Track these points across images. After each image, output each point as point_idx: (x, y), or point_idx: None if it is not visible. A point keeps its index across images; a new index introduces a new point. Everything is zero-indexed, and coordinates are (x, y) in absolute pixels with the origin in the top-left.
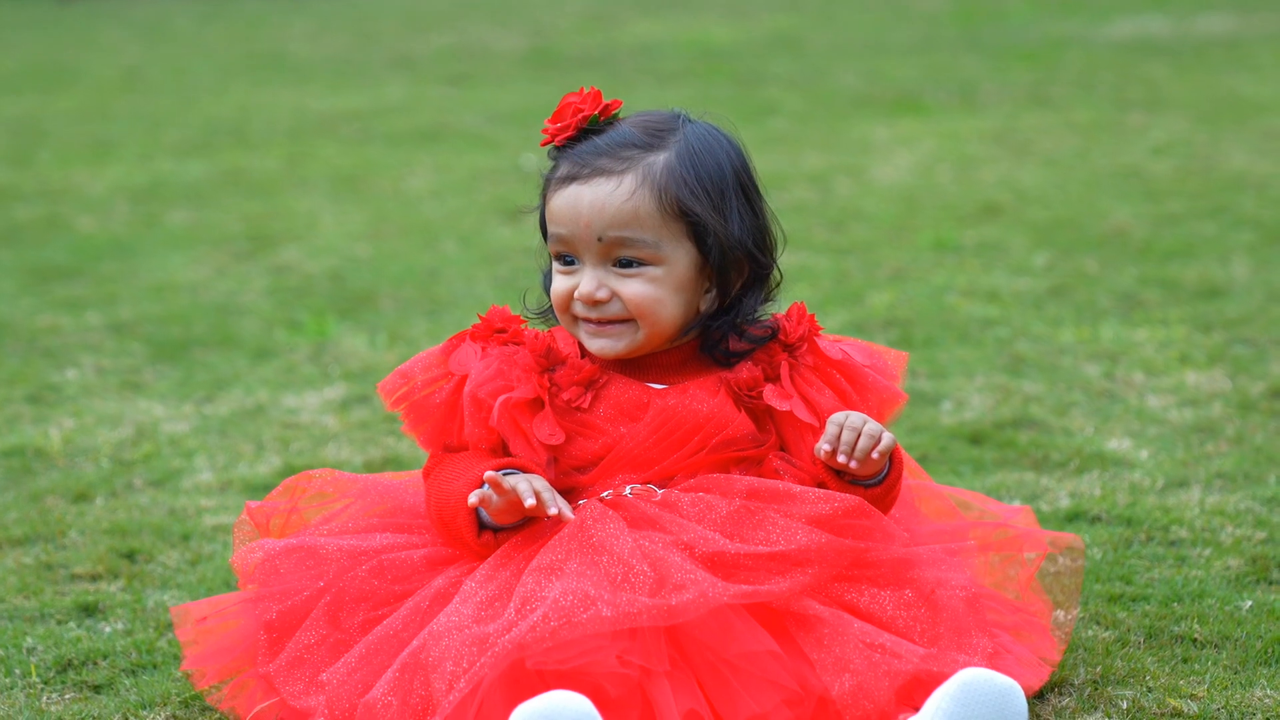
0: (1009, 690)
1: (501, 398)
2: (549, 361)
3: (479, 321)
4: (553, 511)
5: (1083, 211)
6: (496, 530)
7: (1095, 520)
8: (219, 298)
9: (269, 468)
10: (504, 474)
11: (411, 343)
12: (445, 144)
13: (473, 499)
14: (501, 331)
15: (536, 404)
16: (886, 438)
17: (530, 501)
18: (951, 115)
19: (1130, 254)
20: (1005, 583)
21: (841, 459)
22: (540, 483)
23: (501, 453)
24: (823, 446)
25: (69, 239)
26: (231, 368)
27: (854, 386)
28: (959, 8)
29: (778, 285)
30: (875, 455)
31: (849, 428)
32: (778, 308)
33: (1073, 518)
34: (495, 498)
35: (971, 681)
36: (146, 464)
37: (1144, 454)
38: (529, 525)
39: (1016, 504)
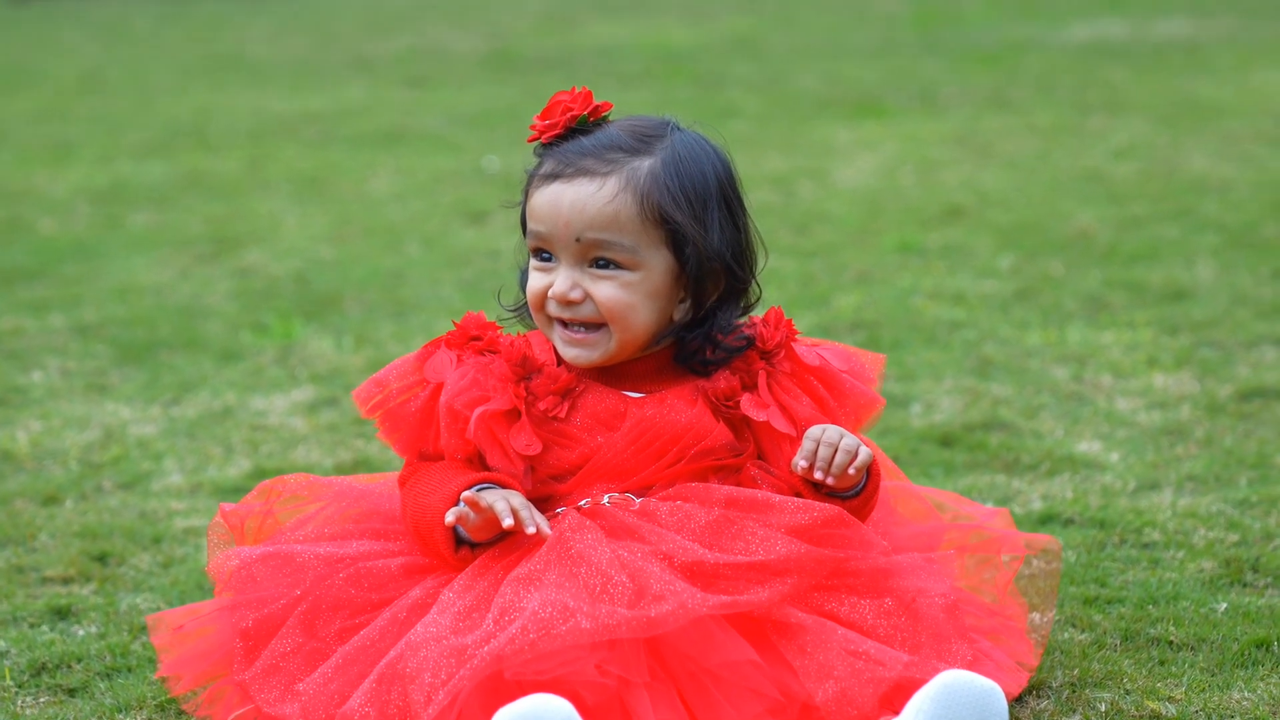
0: (989, 692)
1: (478, 410)
2: (525, 370)
3: (454, 328)
4: (531, 530)
5: (1046, 214)
6: (474, 546)
7: (1068, 523)
8: (183, 300)
9: (239, 470)
10: (480, 489)
11: (378, 345)
12: (407, 146)
13: (449, 518)
14: (477, 339)
15: (513, 414)
16: (863, 453)
17: (508, 521)
18: (913, 118)
19: (1095, 257)
20: (982, 586)
21: (818, 475)
22: (518, 499)
23: (478, 462)
24: (799, 463)
25: (30, 241)
26: (198, 370)
27: (831, 393)
28: (917, 11)
29: (756, 300)
30: (851, 471)
31: (825, 443)
32: (754, 311)
33: (1045, 520)
34: (472, 515)
35: (952, 683)
36: (115, 466)
37: (1114, 456)
38: (507, 537)
39: (991, 506)
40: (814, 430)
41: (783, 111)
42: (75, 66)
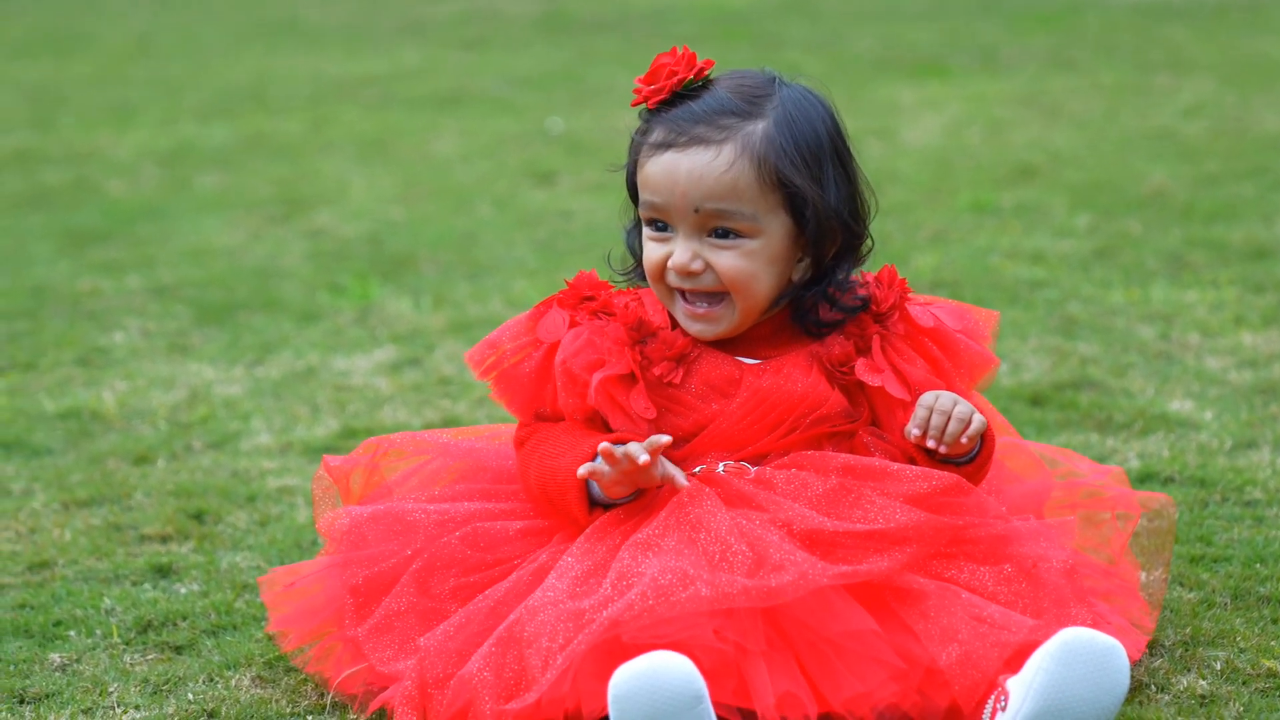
0: (1111, 649)
1: (597, 375)
2: (640, 334)
3: (565, 287)
4: (677, 480)
5: (1119, 173)
6: (606, 506)
7: (1167, 481)
8: (258, 261)
9: (326, 430)
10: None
11: (457, 305)
12: (467, 108)
13: (582, 470)
14: (590, 299)
15: (629, 378)
16: (977, 420)
17: (644, 458)
18: (976, 78)
19: (1173, 215)
20: (1097, 546)
21: (931, 443)
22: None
23: (599, 422)
24: (912, 431)
25: (100, 202)
26: (278, 330)
27: (946, 354)
28: None
29: (869, 252)
30: (964, 440)
31: (938, 411)
32: (868, 265)
33: (1144, 479)
34: (607, 469)
35: (1073, 641)
36: (204, 426)
37: (1208, 415)
38: (640, 495)
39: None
40: (927, 397)
41: (843, 72)
42: (127, 30)
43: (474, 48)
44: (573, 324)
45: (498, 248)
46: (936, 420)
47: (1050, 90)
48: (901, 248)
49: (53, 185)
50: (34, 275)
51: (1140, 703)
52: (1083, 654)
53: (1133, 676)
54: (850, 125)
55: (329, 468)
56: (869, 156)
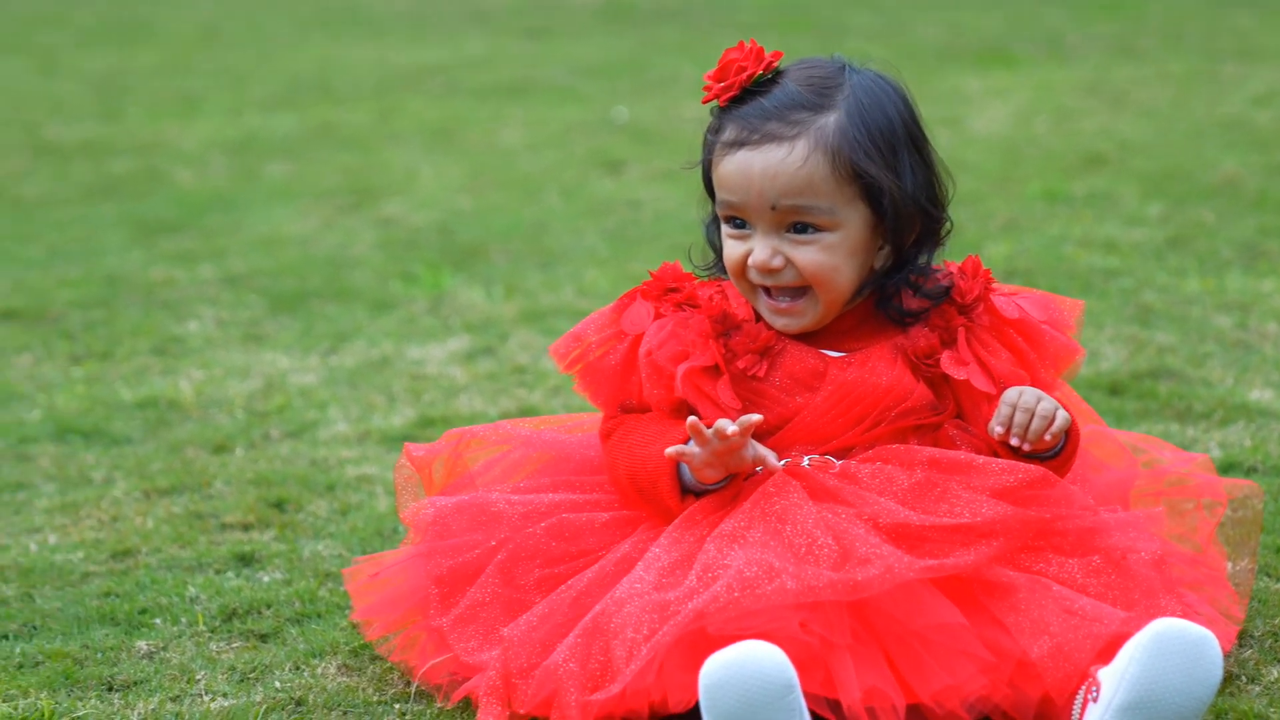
0: (1203, 639)
1: (683, 366)
2: (724, 326)
3: (649, 279)
4: (769, 460)
5: (1190, 162)
6: (698, 494)
7: (1250, 471)
8: (329, 250)
9: (403, 419)
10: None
11: (529, 294)
12: (532, 98)
13: (671, 450)
14: (674, 290)
15: (713, 370)
16: (1060, 418)
17: (733, 429)
18: (1042, 67)
19: (1246, 204)
20: (1186, 534)
21: (1014, 441)
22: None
23: (685, 415)
24: (995, 428)
25: (170, 192)
26: (351, 319)
27: (1031, 345)
28: None
29: (948, 234)
30: (1048, 436)
31: (1022, 408)
32: (947, 249)
33: (1226, 469)
34: (697, 450)
35: (1165, 631)
36: (281, 415)
37: None
38: (727, 486)
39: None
40: (1010, 394)
41: (908, 61)
42: (192, 20)
43: (537, 37)
44: (657, 316)
45: (567, 237)
46: (1020, 417)
47: (1117, 79)
48: (974, 237)
49: (122, 175)
50: (107, 265)
51: (1231, 694)
52: (1175, 644)
53: (1223, 667)
54: None
55: (411, 457)
56: (937, 145)
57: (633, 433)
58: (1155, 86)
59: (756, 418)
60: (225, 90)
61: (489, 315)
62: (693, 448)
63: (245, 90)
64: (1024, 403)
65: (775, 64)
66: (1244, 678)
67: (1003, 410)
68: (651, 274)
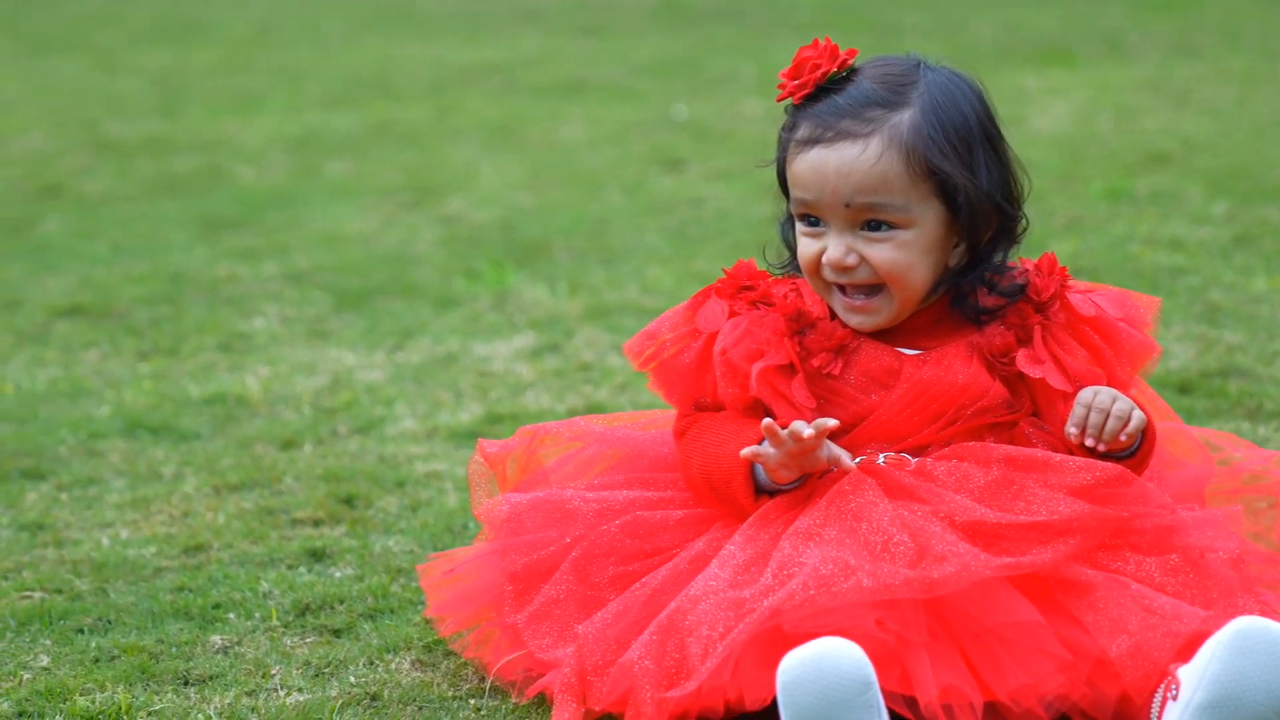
0: None
1: (757, 365)
2: (799, 324)
3: (723, 276)
4: (844, 461)
5: (1254, 160)
6: (772, 493)
7: None
8: (392, 247)
9: (471, 415)
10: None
11: (593, 291)
12: (590, 96)
13: (746, 451)
14: (749, 288)
15: (788, 369)
16: (1136, 418)
17: (809, 432)
18: (1101, 65)
19: None
20: (1263, 532)
21: (1089, 442)
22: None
23: (760, 414)
24: (1070, 430)
25: (232, 190)
26: (416, 316)
27: (1108, 343)
28: None
29: (1024, 232)
30: (1123, 438)
31: (1096, 409)
32: (1022, 246)
33: None
34: (772, 451)
35: (1246, 629)
36: (348, 411)
37: None
38: (808, 480)
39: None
40: (1085, 395)
41: (964, 60)
42: (249, 18)
43: (592, 35)
44: (732, 314)
45: (629, 234)
46: (1095, 418)
47: (1177, 77)
48: (1038, 235)
49: (184, 172)
50: (172, 262)
51: None
52: (1257, 642)
53: None
54: None
55: (485, 453)
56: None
57: (707, 431)
58: (1216, 85)
59: (833, 423)
60: (283, 88)
61: (554, 312)
62: (767, 449)
63: (303, 88)
64: (1099, 403)
65: (850, 62)
66: None
67: (1077, 411)
68: (726, 271)
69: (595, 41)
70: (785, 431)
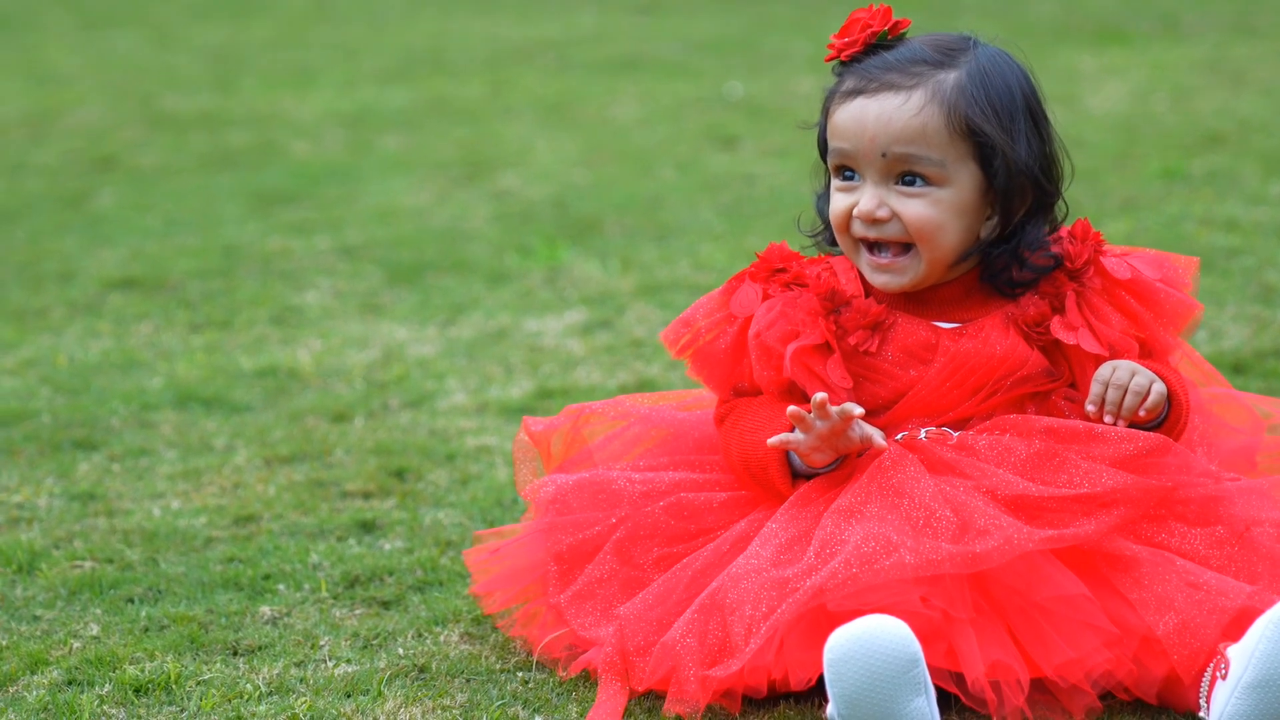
0: None
1: (791, 346)
2: (834, 303)
3: (757, 260)
4: (876, 440)
5: None
6: (809, 476)
7: None
8: (445, 222)
9: (521, 390)
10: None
11: (644, 268)
12: (645, 73)
13: (774, 440)
14: (782, 270)
15: (824, 349)
16: (1155, 392)
17: (823, 396)
18: (1158, 45)
19: None
20: None
21: (1108, 419)
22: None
23: (797, 396)
24: (1088, 407)
25: (286, 164)
26: (468, 291)
27: (1145, 305)
28: None
29: (1063, 218)
30: (1142, 413)
31: (1114, 385)
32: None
33: None
34: (801, 436)
35: None
36: (399, 385)
37: None
38: (843, 462)
39: None
40: (1103, 371)
41: (1022, 38)
42: None
43: (648, 12)
44: (765, 297)
45: (682, 211)
46: (1113, 394)
47: (1234, 57)
48: (1093, 214)
49: (238, 146)
50: (225, 235)
51: None
52: None
53: None
54: None
55: (530, 431)
56: (1054, 123)
57: (744, 417)
58: (1274, 65)
59: (859, 410)
60: (338, 63)
61: (605, 288)
62: (797, 435)
63: (358, 63)
64: (1117, 379)
65: (902, 29)
66: None
67: (1095, 388)
68: (759, 255)
69: (651, 18)
70: (812, 406)
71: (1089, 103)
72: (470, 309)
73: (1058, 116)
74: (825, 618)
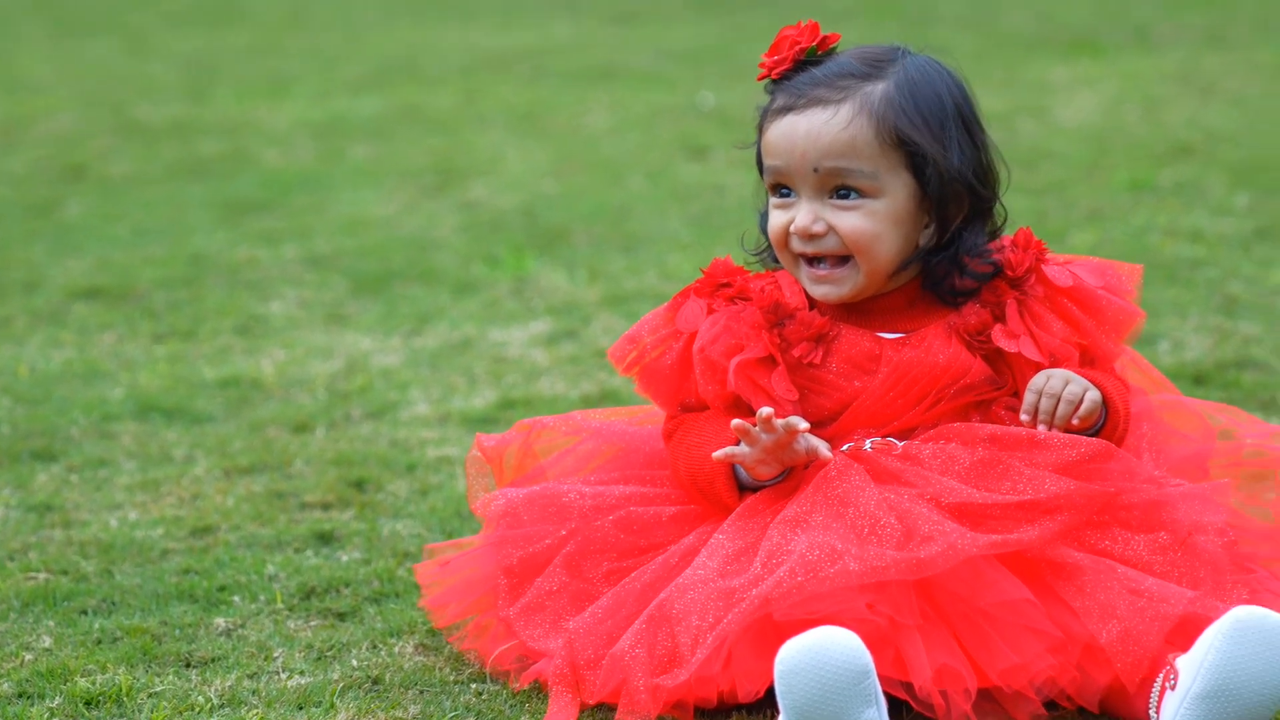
0: None
1: (735, 359)
2: (777, 316)
3: (701, 276)
4: (821, 451)
5: (1279, 153)
6: (756, 489)
7: None
8: (413, 232)
9: (484, 401)
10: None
11: (611, 279)
12: (619, 82)
13: (719, 454)
14: (726, 285)
15: (769, 362)
16: (1088, 400)
17: (767, 411)
18: (1130, 56)
19: None
20: (1264, 507)
21: (1042, 428)
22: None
23: (742, 410)
24: (1022, 416)
25: (257, 173)
26: (434, 301)
27: (1087, 312)
28: None
29: (1002, 223)
30: (1075, 421)
31: (1047, 394)
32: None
33: None
34: (746, 450)
35: (1245, 618)
36: (362, 396)
37: None
38: (789, 474)
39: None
40: (1037, 380)
41: (996, 50)
42: (282, 3)
43: (625, 22)
44: (710, 311)
45: (651, 221)
46: (1045, 404)
47: (1205, 68)
48: (1059, 225)
49: (209, 155)
50: (192, 244)
51: None
52: (1255, 632)
53: None
54: (1003, 103)
55: (482, 447)
56: (1023, 134)
57: (691, 432)
58: (1245, 76)
59: (803, 424)
60: (314, 72)
61: (571, 298)
62: (742, 449)
63: (334, 72)
64: (1050, 388)
65: (833, 44)
66: None
67: (1028, 398)
68: (703, 271)
69: (626, 28)
70: (757, 420)
71: (1060, 114)
72: (436, 319)
73: (1028, 128)
74: (773, 628)
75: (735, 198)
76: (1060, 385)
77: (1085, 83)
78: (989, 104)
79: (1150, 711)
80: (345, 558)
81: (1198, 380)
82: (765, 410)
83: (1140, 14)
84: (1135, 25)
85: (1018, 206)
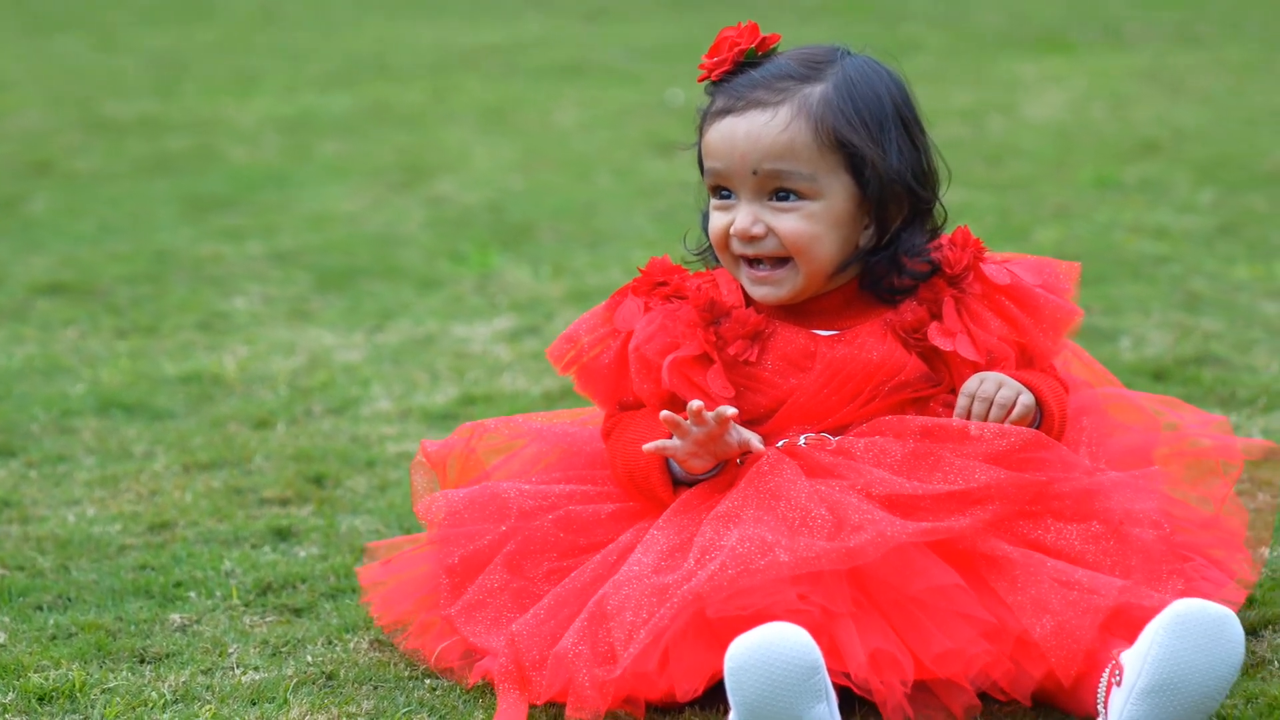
0: (1223, 618)
1: (669, 357)
2: (713, 314)
3: (639, 275)
4: (753, 444)
5: (1244, 150)
6: (691, 484)
7: None
8: (378, 228)
9: (446, 397)
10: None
11: (576, 275)
12: (588, 79)
13: (649, 446)
14: (663, 284)
15: (704, 359)
16: (1021, 404)
17: (697, 404)
18: (1099, 53)
19: None
20: (1202, 495)
21: (974, 432)
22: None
23: (680, 408)
24: (954, 420)
25: (223, 169)
26: (398, 297)
27: (1025, 310)
28: None
29: (942, 223)
30: (1007, 424)
31: (980, 399)
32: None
33: (1271, 454)
34: (678, 442)
35: (1185, 612)
36: (324, 392)
37: None
38: (724, 468)
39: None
40: (970, 384)
41: (966, 46)
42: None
43: (596, 19)
44: (646, 310)
45: (617, 217)
46: (978, 408)
47: (1174, 66)
48: (1025, 222)
49: (176, 152)
50: (157, 240)
51: (1263, 679)
52: (1195, 625)
53: (1253, 651)
54: (973, 99)
55: (427, 453)
56: (991, 131)
57: (628, 429)
58: (1213, 74)
59: (732, 411)
60: (283, 69)
61: (535, 295)
62: (674, 442)
63: (303, 69)
64: (982, 392)
65: (773, 45)
66: (1276, 663)
67: (961, 401)
68: (641, 270)
69: (597, 25)
70: (688, 413)
71: (1028, 110)
72: (399, 315)
73: (996, 125)
74: (707, 623)
75: (702, 195)
76: (993, 389)
77: (1054, 80)
78: (957, 101)
79: (1098, 706)
80: (303, 553)
81: (1158, 377)
82: (695, 403)
83: (1111, 11)
84: (1106, 23)
85: (983, 202)
